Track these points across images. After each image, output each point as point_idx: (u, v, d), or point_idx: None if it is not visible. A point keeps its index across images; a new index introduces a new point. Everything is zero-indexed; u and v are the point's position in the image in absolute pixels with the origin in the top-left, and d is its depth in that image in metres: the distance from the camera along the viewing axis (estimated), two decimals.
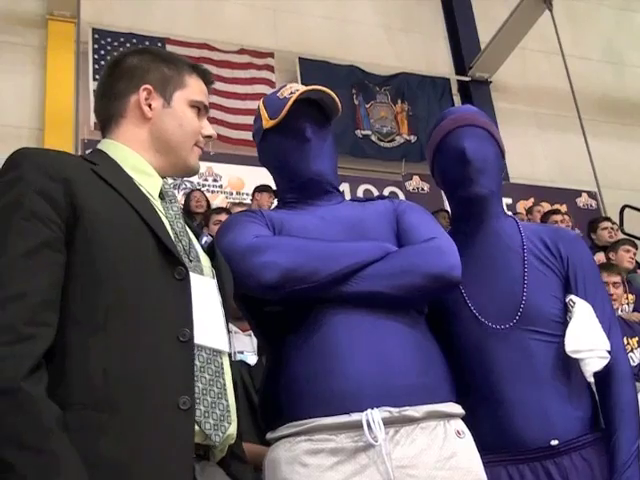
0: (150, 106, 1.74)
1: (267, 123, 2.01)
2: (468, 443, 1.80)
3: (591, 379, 1.95)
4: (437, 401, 1.78)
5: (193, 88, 1.80)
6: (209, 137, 1.82)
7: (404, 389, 1.73)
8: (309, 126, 1.99)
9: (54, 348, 1.38)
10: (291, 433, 1.75)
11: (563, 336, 1.96)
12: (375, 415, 1.68)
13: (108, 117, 1.77)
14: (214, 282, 1.68)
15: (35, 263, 1.40)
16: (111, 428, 1.36)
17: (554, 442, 1.90)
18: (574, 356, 1.94)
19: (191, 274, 1.57)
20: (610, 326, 2.01)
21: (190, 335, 1.50)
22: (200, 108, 1.80)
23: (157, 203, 1.65)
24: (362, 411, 1.69)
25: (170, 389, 1.44)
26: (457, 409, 1.83)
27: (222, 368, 1.61)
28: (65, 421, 1.33)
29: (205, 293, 1.61)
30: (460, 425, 1.82)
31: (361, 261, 1.80)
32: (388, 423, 1.69)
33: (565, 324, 1.99)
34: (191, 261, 1.61)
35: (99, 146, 1.75)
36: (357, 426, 1.68)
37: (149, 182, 1.68)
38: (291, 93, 1.97)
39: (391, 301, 1.80)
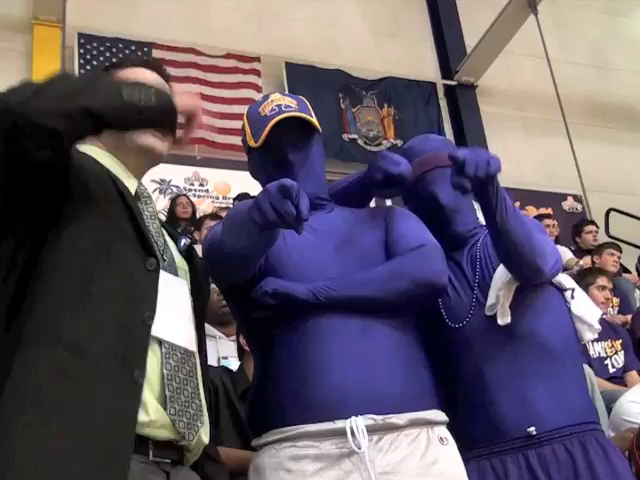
0: None
1: (250, 142, 2.02)
2: (451, 450, 1.83)
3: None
4: (421, 408, 1.80)
5: (124, 76, 1.78)
6: None
7: (389, 397, 1.75)
8: (290, 148, 1.98)
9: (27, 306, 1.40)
10: (276, 439, 1.76)
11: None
12: (359, 423, 1.70)
13: None
14: (185, 283, 1.70)
15: None
16: (73, 372, 1.37)
17: (531, 429, 1.92)
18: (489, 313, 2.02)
19: (163, 272, 1.59)
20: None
21: (151, 319, 1.52)
22: None
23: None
24: (347, 418, 1.71)
25: (125, 362, 1.44)
26: (441, 416, 1.85)
27: (195, 368, 1.63)
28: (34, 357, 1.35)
29: (176, 293, 1.63)
30: (444, 432, 1.84)
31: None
32: (372, 430, 1.71)
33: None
34: (164, 260, 1.63)
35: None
36: (341, 433, 1.70)
37: (125, 180, 1.70)
38: (272, 110, 1.97)
39: (380, 306, 1.82)
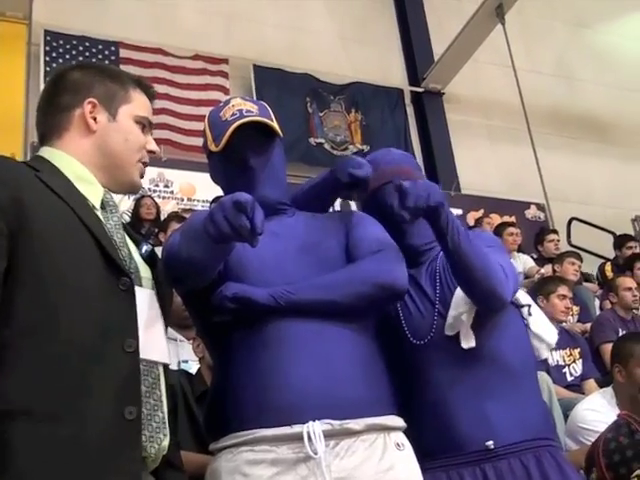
0: (95, 120, 1.73)
1: (211, 146, 2.01)
2: (408, 455, 1.83)
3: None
4: (379, 414, 1.80)
5: (138, 103, 1.80)
6: (152, 153, 1.81)
7: (347, 402, 1.75)
8: (251, 153, 1.98)
9: None
10: (233, 444, 1.76)
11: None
12: (316, 427, 1.70)
13: (50, 130, 1.75)
14: (152, 293, 1.68)
15: None
16: (54, 438, 1.35)
17: (489, 443, 1.94)
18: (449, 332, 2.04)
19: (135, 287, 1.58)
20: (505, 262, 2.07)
21: (136, 346, 1.51)
22: (145, 124, 1.80)
23: (98, 213, 1.65)
24: (304, 423, 1.71)
25: (116, 400, 1.44)
26: (398, 422, 1.86)
27: (158, 379, 1.62)
28: (7, 430, 1.33)
29: (145, 305, 1.61)
30: (400, 438, 1.85)
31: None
32: (329, 435, 1.71)
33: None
34: (131, 273, 1.60)
35: (40, 153, 1.73)
36: (298, 438, 1.70)
37: (90, 191, 1.67)
38: (232, 115, 1.96)
39: (340, 309, 1.83)
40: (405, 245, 2.13)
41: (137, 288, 1.60)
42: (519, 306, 2.16)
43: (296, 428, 1.71)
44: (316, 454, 1.68)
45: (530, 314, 2.15)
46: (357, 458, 1.73)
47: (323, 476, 1.68)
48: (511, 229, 7.55)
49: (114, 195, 1.76)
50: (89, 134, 1.73)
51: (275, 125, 2.00)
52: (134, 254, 1.70)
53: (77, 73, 1.79)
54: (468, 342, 2.00)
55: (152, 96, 1.87)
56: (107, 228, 1.63)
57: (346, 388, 1.77)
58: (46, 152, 1.72)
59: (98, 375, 1.43)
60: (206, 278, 1.83)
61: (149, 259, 1.75)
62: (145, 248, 1.75)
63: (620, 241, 8.47)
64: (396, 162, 2.22)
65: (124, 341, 1.49)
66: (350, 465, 1.71)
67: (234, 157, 1.98)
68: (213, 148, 1.99)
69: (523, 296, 2.19)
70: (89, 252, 1.52)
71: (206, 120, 2.06)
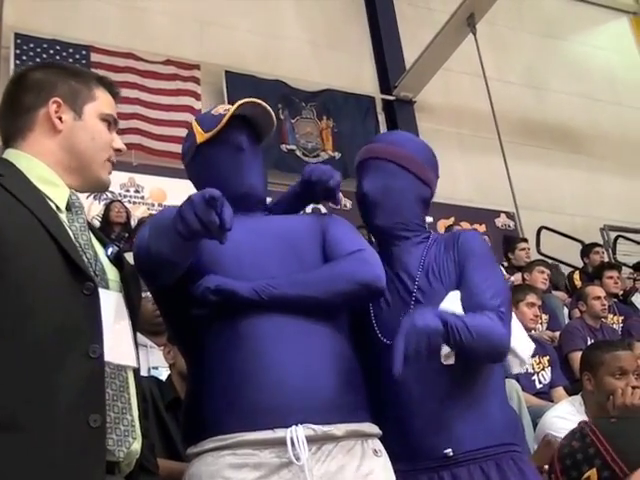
0: (61, 119, 1.71)
1: (201, 137, 2.03)
2: (384, 462, 1.85)
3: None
4: (357, 420, 1.82)
5: (102, 101, 1.78)
6: (119, 151, 1.80)
7: (328, 407, 1.77)
8: (244, 138, 2.03)
9: None
10: (214, 447, 1.75)
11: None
12: (299, 433, 1.71)
13: (14, 131, 1.73)
14: (120, 295, 1.66)
15: None
16: (18, 448, 1.33)
17: (447, 451, 1.93)
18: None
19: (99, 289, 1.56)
20: (497, 294, 2.01)
21: (100, 351, 1.49)
22: (110, 121, 1.79)
23: (63, 216, 1.63)
24: (287, 427, 1.71)
25: (80, 407, 1.42)
26: (375, 429, 1.88)
27: (126, 382, 1.60)
28: None
29: (111, 308, 1.59)
30: (377, 444, 1.86)
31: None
32: (311, 440, 1.72)
33: None
34: (97, 275, 1.58)
35: (4, 155, 1.71)
36: (281, 442, 1.70)
37: (55, 193, 1.65)
38: (225, 110, 2.00)
39: (320, 306, 1.84)
40: (370, 224, 2.16)
41: (103, 291, 1.58)
42: None
43: (279, 433, 1.71)
44: (299, 460, 1.68)
45: None
46: (337, 463, 1.74)
47: None
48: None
49: (82, 198, 1.74)
50: (55, 134, 1.71)
51: (271, 112, 2.04)
52: (100, 256, 1.68)
53: (39, 73, 1.77)
54: (448, 360, 1.97)
55: (115, 94, 1.85)
56: (72, 230, 1.61)
57: (327, 392, 1.78)
58: (10, 154, 1.70)
59: (62, 382, 1.41)
60: (175, 273, 1.83)
61: (116, 260, 1.73)
62: (111, 250, 1.73)
63: (587, 249, 8.56)
64: (389, 141, 2.25)
65: (88, 347, 1.47)
66: (330, 470, 1.73)
67: (227, 140, 2.01)
68: (204, 137, 2.02)
69: None
70: (51, 256, 1.50)
71: (193, 122, 2.10)
